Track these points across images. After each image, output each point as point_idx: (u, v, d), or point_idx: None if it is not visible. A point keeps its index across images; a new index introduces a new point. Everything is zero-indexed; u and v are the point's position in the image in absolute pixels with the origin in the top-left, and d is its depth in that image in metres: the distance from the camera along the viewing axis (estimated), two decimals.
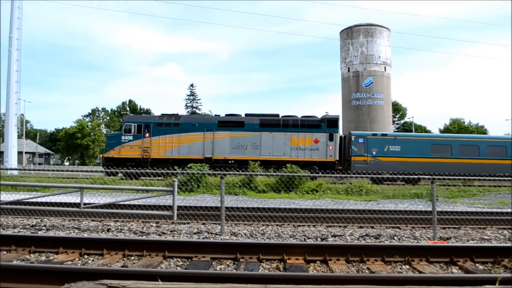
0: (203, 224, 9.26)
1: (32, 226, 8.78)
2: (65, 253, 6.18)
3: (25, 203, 9.80)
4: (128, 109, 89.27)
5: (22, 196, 11.54)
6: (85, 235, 7.78)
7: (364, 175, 17.06)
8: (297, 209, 10.92)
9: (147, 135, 29.59)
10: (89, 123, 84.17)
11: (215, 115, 32.39)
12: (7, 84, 34.60)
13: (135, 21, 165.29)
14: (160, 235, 7.95)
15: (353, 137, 29.51)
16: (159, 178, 22.09)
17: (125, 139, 29.75)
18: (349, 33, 60.39)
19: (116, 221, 9.49)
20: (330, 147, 28.88)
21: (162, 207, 9.93)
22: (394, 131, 71.19)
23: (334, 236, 8.07)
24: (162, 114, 31.24)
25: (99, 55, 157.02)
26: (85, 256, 6.08)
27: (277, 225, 9.22)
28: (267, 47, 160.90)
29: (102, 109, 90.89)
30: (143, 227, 8.70)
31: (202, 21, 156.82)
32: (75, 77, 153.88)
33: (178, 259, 5.92)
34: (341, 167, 29.63)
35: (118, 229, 8.47)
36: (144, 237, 7.54)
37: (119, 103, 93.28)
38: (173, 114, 31.33)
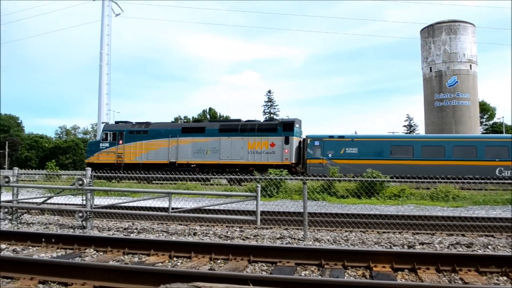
0: (285, 229, 9.31)
1: (124, 229, 9.33)
2: (156, 255, 6.48)
3: (119, 207, 10.44)
4: (208, 116, 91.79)
5: (113, 200, 12.31)
6: (173, 238, 8.13)
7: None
8: (381, 215, 10.63)
9: (120, 142, 32.29)
10: None
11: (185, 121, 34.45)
12: (98, 96, 37.34)
13: (213, 31, 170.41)
14: (244, 239, 8.10)
15: (308, 140, 29.54)
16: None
17: (102, 146, 32.69)
18: (430, 31, 57.85)
19: (201, 225, 9.81)
20: (286, 150, 29.06)
21: (245, 212, 10.11)
22: (482, 133, 67.01)
23: (422, 243, 7.76)
24: (134, 123, 33.88)
25: (180, 66, 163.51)
26: (174, 259, 6.33)
27: (360, 231, 9.04)
28: (343, 50, 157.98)
29: (184, 117, 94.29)
30: (227, 232, 8.91)
31: (277, 27, 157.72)
32: (158, 87, 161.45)
33: (263, 264, 6.00)
34: (303, 171, 29.66)
35: (203, 233, 8.75)
36: (229, 241, 7.71)
37: (200, 111, 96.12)
38: (143, 122, 33.71)
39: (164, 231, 9.05)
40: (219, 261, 6.17)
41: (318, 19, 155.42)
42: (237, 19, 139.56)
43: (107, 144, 32.57)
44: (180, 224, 9.96)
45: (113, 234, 8.67)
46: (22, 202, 11.16)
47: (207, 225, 9.77)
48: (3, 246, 7.26)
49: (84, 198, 9.68)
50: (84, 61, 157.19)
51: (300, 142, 30.30)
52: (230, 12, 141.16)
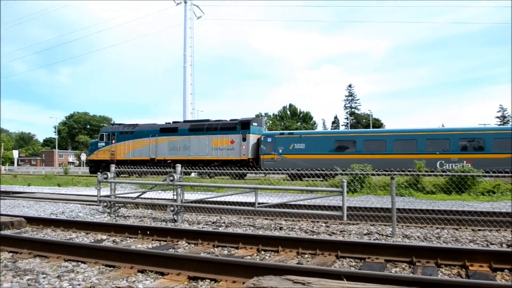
0: (372, 225, 9.12)
1: (213, 222, 9.66)
2: (244, 248, 6.65)
3: (207, 202, 10.84)
4: (288, 113, 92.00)
5: (201, 195, 12.77)
6: (260, 232, 8.28)
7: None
8: (476, 212, 10.05)
9: (113, 141, 37.03)
10: None
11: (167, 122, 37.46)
12: (183, 96, 39.10)
13: (293, 28, 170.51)
14: (330, 234, 8.06)
15: (262, 137, 31.56)
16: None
17: (100, 145, 37.71)
18: None
19: (287, 220, 9.89)
20: (243, 147, 31.66)
21: (331, 208, 10.05)
22: None
23: None
24: (125, 124, 37.88)
25: (261, 64, 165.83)
26: (262, 252, 6.46)
27: (453, 228, 8.62)
28: (427, 40, 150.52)
29: (265, 114, 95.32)
30: (313, 226, 8.91)
31: (357, 20, 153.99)
32: (240, 86, 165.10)
33: (351, 260, 5.93)
34: (259, 165, 31.36)
35: (289, 227, 8.83)
36: (315, 236, 7.72)
37: (280, 107, 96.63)
38: (131, 124, 37.48)
39: (250, 225, 9.25)
40: (306, 255, 6.20)
41: (400, 9, 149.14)
42: (316, 14, 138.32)
43: (103, 144, 37.53)
44: (266, 218, 10.11)
45: (202, 227, 9.01)
46: (119, 197, 11.95)
47: (293, 220, 9.83)
48: (104, 237, 7.84)
49: (174, 193, 10.17)
50: (169, 63, 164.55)
51: (258, 139, 32.42)
52: (309, 8, 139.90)
